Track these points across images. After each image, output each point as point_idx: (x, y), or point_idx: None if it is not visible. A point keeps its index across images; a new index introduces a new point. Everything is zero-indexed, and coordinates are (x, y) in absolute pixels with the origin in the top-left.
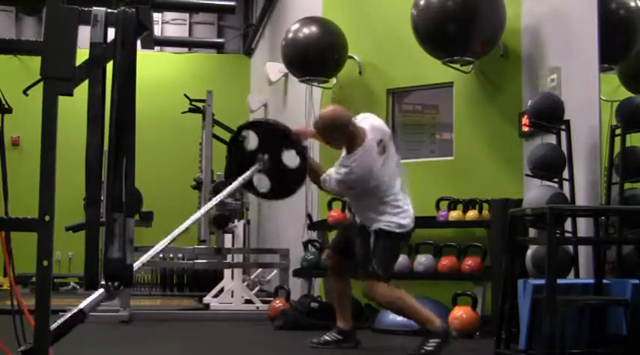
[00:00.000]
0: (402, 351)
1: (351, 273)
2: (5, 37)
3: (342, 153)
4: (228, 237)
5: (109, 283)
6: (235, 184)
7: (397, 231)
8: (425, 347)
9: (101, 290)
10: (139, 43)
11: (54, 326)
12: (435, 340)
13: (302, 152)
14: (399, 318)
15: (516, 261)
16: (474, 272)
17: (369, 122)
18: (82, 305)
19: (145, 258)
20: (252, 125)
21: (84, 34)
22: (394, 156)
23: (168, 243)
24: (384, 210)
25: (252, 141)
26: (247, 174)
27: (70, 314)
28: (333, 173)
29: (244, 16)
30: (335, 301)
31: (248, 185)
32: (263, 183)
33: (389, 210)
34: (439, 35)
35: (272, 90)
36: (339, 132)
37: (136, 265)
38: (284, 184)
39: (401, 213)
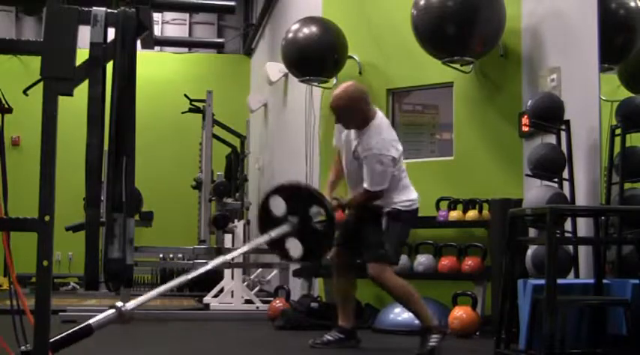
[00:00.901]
0: (402, 351)
1: (356, 272)
2: (5, 37)
3: (346, 155)
4: (228, 237)
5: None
6: (263, 238)
7: (409, 209)
8: (429, 344)
9: (114, 311)
10: (139, 43)
11: (60, 336)
12: (436, 335)
13: (330, 212)
14: (399, 318)
15: (516, 261)
16: (474, 272)
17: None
18: (91, 321)
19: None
20: (279, 189)
21: (84, 34)
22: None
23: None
24: (397, 191)
25: (279, 206)
26: (274, 231)
27: (77, 328)
28: (368, 170)
29: (244, 16)
30: (338, 300)
31: (278, 248)
32: (294, 246)
33: (403, 192)
34: (439, 35)
35: (272, 90)
36: (356, 110)
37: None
38: (315, 246)
39: (411, 192)
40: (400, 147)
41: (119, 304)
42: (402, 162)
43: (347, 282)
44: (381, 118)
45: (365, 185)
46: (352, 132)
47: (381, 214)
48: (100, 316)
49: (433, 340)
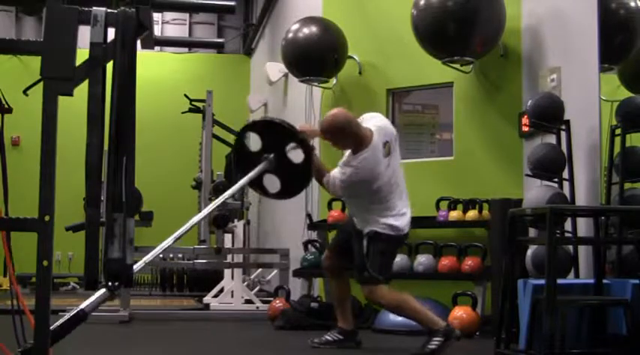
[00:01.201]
0: (402, 351)
1: (348, 274)
2: (5, 37)
3: (347, 152)
4: (228, 237)
5: (109, 283)
6: (242, 181)
7: (390, 233)
8: (428, 346)
9: (103, 291)
10: (139, 43)
11: (55, 325)
12: (438, 338)
13: (308, 151)
14: (400, 318)
15: (516, 261)
16: (474, 272)
17: (375, 122)
18: (83, 305)
19: (147, 257)
20: (254, 125)
21: (84, 34)
22: (398, 157)
23: (172, 243)
24: (380, 212)
25: (255, 142)
26: (254, 171)
27: (71, 314)
28: (337, 173)
29: (244, 16)
30: (335, 302)
31: (257, 186)
32: (272, 182)
33: (385, 213)
34: (439, 35)
35: (272, 90)
36: (344, 135)
37: (137, 266)
38: (292, 182)
39: (397, 215)
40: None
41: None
42: (401, 186)
43: (341, 283)
44: (373, 145)
45: (337, 173)
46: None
47: (360, 236)
48: (92, 298)
49: (433, 343)
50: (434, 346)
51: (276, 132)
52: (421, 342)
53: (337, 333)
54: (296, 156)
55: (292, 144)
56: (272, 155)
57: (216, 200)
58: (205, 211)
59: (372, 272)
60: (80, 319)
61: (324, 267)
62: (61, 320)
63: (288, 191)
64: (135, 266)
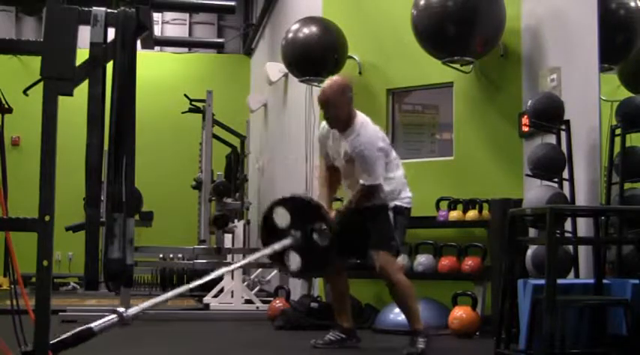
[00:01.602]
0: (401, 351)
1: (346, 272)
2: (5, 37)
3: (343, 147)
4: (228, 237)
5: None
6: (266, 251)
7: (409, 207)
8: (418, 345)
9: (115, 316)
10: (139, 43)
11: (60, 338)
12: (424, 339)
13: (333, 230)
14: (399, 318)
15: (516, 261)
16: (474, 272)
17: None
18: (93, 325)
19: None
20: (284, 201)
21: (84, 34)
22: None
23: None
24: (399, 185)
25: (283, 218)
26: (277, 245)
27: (78, 329)
28: (371, 172)
29: (244, 16)
30: (335, 301)
31: (278, 260)
32: (293, 259)
33: (403, 186)
34: (439, 35)
35: (272, 90)
36: (342, 99)
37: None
38: (313, 263)
39: (408, 189)
40: (387, 140)
41: (121, 309)
42: (399, 161)
43: (339, 282)
44: (363, 117)
45: (361, 181)
46: (337, 136)
47: (384, 209)
48: (102, 320)
49: (421, 342)
50: (423, 345)
51: (305, 212)
52: (408, 342)
53: (339, 332)
54: (322, 239)
55: (320, 227)
56: (299, 232)
57: (251, 256)
58: (258, 254)
59: (398, 242)
60: (87, 336)
61: None
62: (67, 333)
63: (307, 270)
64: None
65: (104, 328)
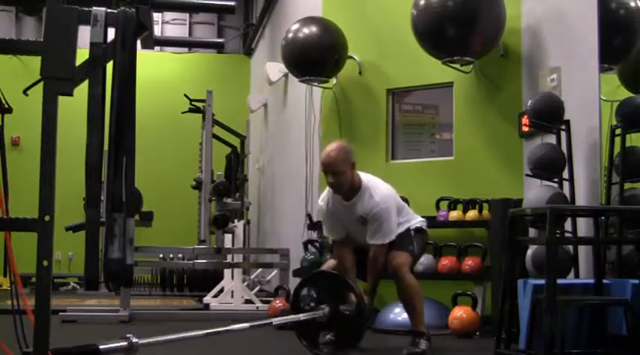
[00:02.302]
0: (401, 351)
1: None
2: (5, 37)
3: (356, 212)
4: (228, 237)
5: (109, 283)
6: (293, 317)
7: (425, 227)
8: (420, 346)
9: (124, 343)
10: (139, 43)
11: (66, 346)
12: (426, 341)
13: (361, 305)
14: (399, 318)
15: (516, 261)
16: (474, 272)
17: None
18: (101, 346)
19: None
20: (312, 279)
21: (84, 34)
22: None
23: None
24: (409, 217)
25: (311, 294)
26: (304, 315)
27: (85, 345)
28: (383, 235)
29: (244, 16)
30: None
31: (307, 338)
32: (323, 335)
33: (412, 217)
34: (439, 35)
35: (272, 90)
36: (346, 163)
37: None
38: (344, 336)
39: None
40: (397, 195)
41: (131, 338)
42: (407, 207)
43: (350, 251)
44: (367, 177)
45: (378, 241)
46: (343, 205)
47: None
48: (111, 344)
49: (423, 344)
50: (424, 347)
51: (329, 285)
52: (409, 342)
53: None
54: (350, 317)
55: (349, 302)
56: (327, 308)
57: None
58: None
59: (416, 249)
60: (91, 353)
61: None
62: (74, 346)
63: (338, 345)
64: None
65: (110, 350)
